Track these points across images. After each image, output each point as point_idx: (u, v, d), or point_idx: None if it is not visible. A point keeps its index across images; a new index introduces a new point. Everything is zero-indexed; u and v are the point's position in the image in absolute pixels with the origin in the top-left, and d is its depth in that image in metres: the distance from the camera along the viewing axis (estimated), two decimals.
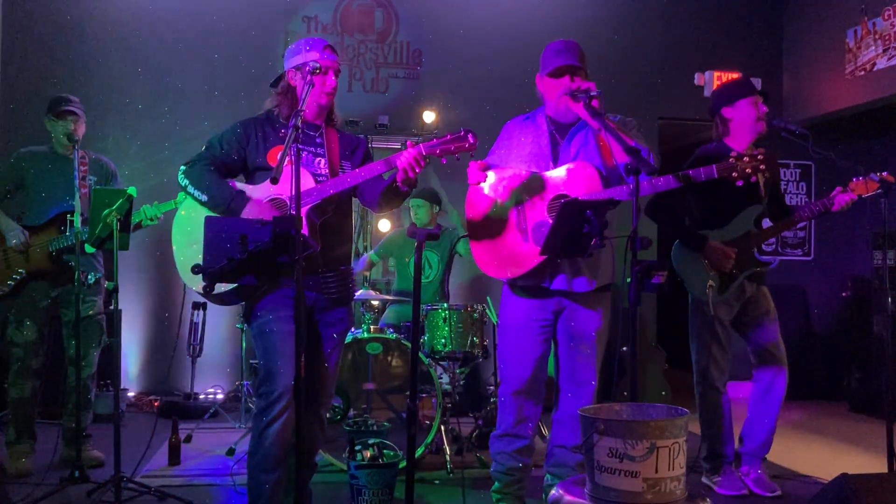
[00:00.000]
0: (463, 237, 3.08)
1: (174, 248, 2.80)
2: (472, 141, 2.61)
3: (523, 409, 3.00)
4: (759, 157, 2.76)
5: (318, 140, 2.83)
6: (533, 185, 2.91)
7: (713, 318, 3.57)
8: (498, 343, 3.13)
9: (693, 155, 3.62)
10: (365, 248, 5.45)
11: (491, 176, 2.93)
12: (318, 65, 2.53)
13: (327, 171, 2.78)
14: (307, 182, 2.67)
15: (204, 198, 2.73)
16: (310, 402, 2.77)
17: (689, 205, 3.71)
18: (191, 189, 2.75)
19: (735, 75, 5.91)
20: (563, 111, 2.94)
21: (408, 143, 2.63)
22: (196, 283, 2.62)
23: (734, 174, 2.79)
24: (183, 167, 2.81)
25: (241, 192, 2.73)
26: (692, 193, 3.65)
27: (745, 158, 2.78)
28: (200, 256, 2.59)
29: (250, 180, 2.83)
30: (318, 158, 2.80)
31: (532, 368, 2.97)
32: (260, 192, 2.74)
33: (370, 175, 2.67)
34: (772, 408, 3.69)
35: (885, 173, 3.41)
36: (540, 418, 3.16)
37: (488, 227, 2.96)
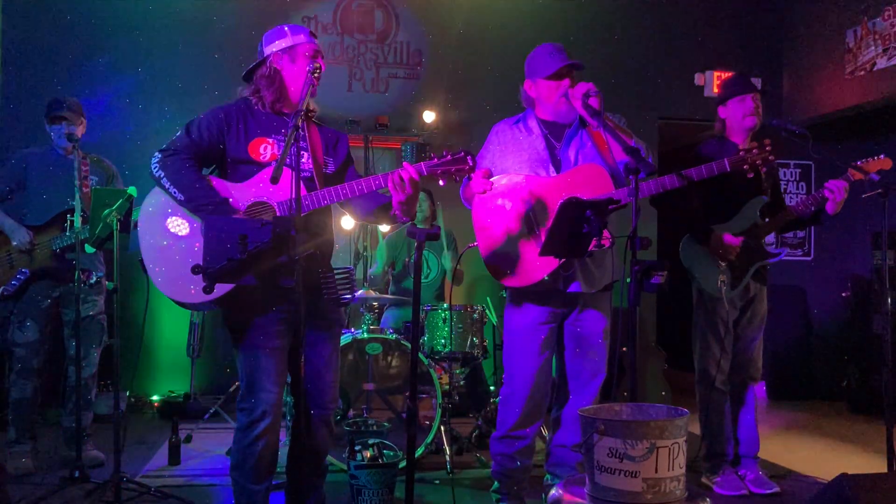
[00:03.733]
0: (472, 246, 3.06)
1: (143, 255, 2.55)
2: (471, 164, 2.52)
3: (526, 413, 3.00)
4: (767, 147, 2.81)
5: (300, 133, 2.65)
6: (542, 190, 2.90)
7: (717, 318, 3.58)
8: (504, 347, 3.12)
9: (695, 150, 3.65)
10: (365, 248, 5.44)
11: (497, 182, 2.92)
12: (319, 65, 2.45)
13: (311, 166, 2.64)
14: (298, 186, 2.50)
15: (181, 197, 2.51)
16: (312, 408, 2.70)
17: (693, 200, 3.73)
18: (165, 183, 2.52)
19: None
20: (565, 112, 2.93)
21: (404, 164, 2.51)
22: (176, 294, 2.51)
23: (745, 166, 2.84)
24: (158, 155, 2.56)
25: (226, 201, 2.52)
26: (695, 188, 3.66)
27: (754, 150, 2.82)
28: (168, 262, 2.51)
29: (228, 172, 2.63)
30: (302, 153, 2.62)
31: (537, 373, 2.97)
32: (241, 192, 2.57)
33: (367, 190, 2.55)
34: (749, 413, 3.72)
35: (882, 156, 3.39)
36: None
37: (500, 235, 2.94)
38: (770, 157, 2.85)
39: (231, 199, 2.54)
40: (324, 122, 2.87)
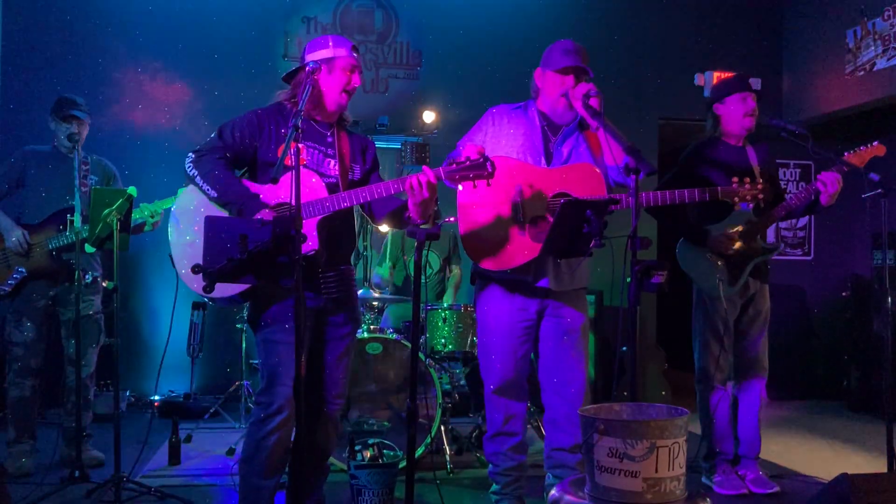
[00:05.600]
0: (449, 220, 3.05)
1: (172, 250, 2.67)
2: (490, 170, 2.54)
3: (509, 408, 3.01)
4: (759, 186, 2.94)
5: (329, 139, 2.76)
6: (533, 179, 2.89)
7: (717, 317, 3.58)
8: (479, 343, 3.11)
9: (688, 150, 3.65)
10: (365, 248, 5.44)
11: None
12: (318, 65, 2.51)
13: (337, 172, 2.72)
14: (319, 189, 2.60)
15: (213, 193, 2.61)
16: (320, 404, 2.76)
17: (686, 207, 3.73)
18: (199, 181, 2.62)
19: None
20: (561, 111, 2.94)
21: (424, 168, 2.56)
22: (190, 279, 2.57)
23: (735, 199, 2.96)
24: (191, 155, 2.67)
25: (257, 196, 2.61)
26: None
27: (746, 186, 2.91)
28: (193, 253, 2.57)
29: (259, 175, 2.72)
30: (329, 160, 2.73)
31: (515, 368, 2.98)
32: (269, 193, 2.66)
33: (386, 193, 2.61)
34: (752, 412, 3.70)
35: (875, 143, 3.45)
36: (535, 416, 3.16)
37: (483, 215, 2.91)
38: (759, 196, 2.95)
39: (261, 195, 2.63)
40: (356, 124, 2.91)
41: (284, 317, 2.61)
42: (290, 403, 2.58)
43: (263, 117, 2.72)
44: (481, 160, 2.54)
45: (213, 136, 2.70)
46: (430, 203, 2.59)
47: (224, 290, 2.53)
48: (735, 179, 2.93)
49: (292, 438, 2.68)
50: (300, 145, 2.63)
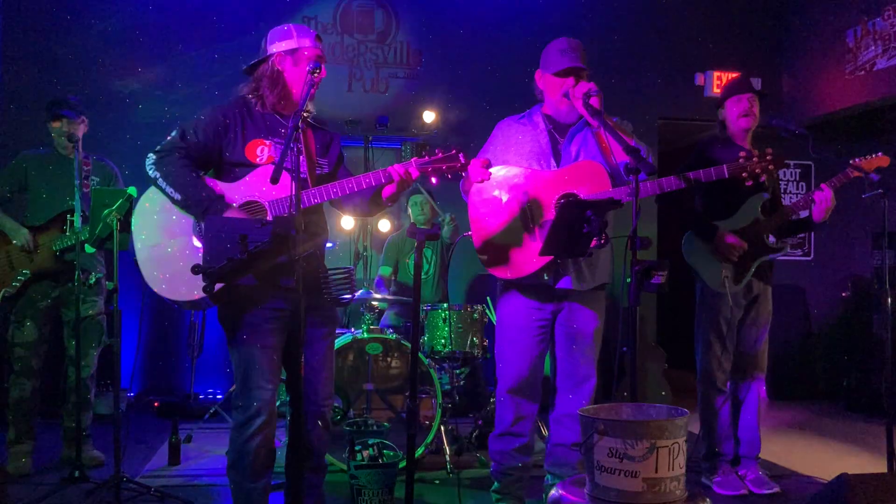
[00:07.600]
0: (465, 235, 3.07)
1: (137, 255, 2.55)
2: (462, 161, 2.53)
3: (521, 408, 3.01)
4: (768, 156, 2.80)
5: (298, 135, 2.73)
6: (540, 183, 2.90)
7: (721, 317, 3.58)
8: (496, 342, 3.13)
9: (697, 147, 3.66)
10: (365, 249, 5.44)
11: (495, 173, 2.92)
12: (318, 65, 2.47)
13: (306, 168, 2.64)
14: (287, 186, 2.49)
15: (177, 196, 2.50)
16: (309, 407, 2.71)
17: (695, 198, 3.74)
18: (161, 183, 2.51)
19: (735, 75, 5.92)
20: (565, 111, 2.95)
21: (396, 165, 2.56)
22: (156, 283, 2.52)
23: (744, 174, 2.83)
24: (152, 156, 2.55)
25: (221, 197, 2.51)
26: (698, 185, 3.66)
27: (754, 158, 2.81)
28: (160, 260, 2.52)
29: (224, 173, 2.62)
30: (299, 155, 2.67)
31: (530, 367, 2.98)
32: (235, 191, 2.56)
33: (359, 188, 2.57)
34: (752, 412, 3.71)
35: (879, 153, 3.49)
36: (538, 418, 3.17)
37: (494, 226, 2.94)
38: (770, 167, 2.81)
39: (225, 197, 2.54)
40: (324, 123, 2.87)
41: (257, 319, 2.55)
42: (268, 406, 2.55)
43: (228, 114, 2.61)
44: (454, 152, 2.53)
45: (174, 134, 2.57)
46: (403, 189, 2.61)
47: (186, 293, 2.48)
48: (742, 154, 2.84)
49: (283, 441, 2.66)
50: (267, 142, 2.61)
